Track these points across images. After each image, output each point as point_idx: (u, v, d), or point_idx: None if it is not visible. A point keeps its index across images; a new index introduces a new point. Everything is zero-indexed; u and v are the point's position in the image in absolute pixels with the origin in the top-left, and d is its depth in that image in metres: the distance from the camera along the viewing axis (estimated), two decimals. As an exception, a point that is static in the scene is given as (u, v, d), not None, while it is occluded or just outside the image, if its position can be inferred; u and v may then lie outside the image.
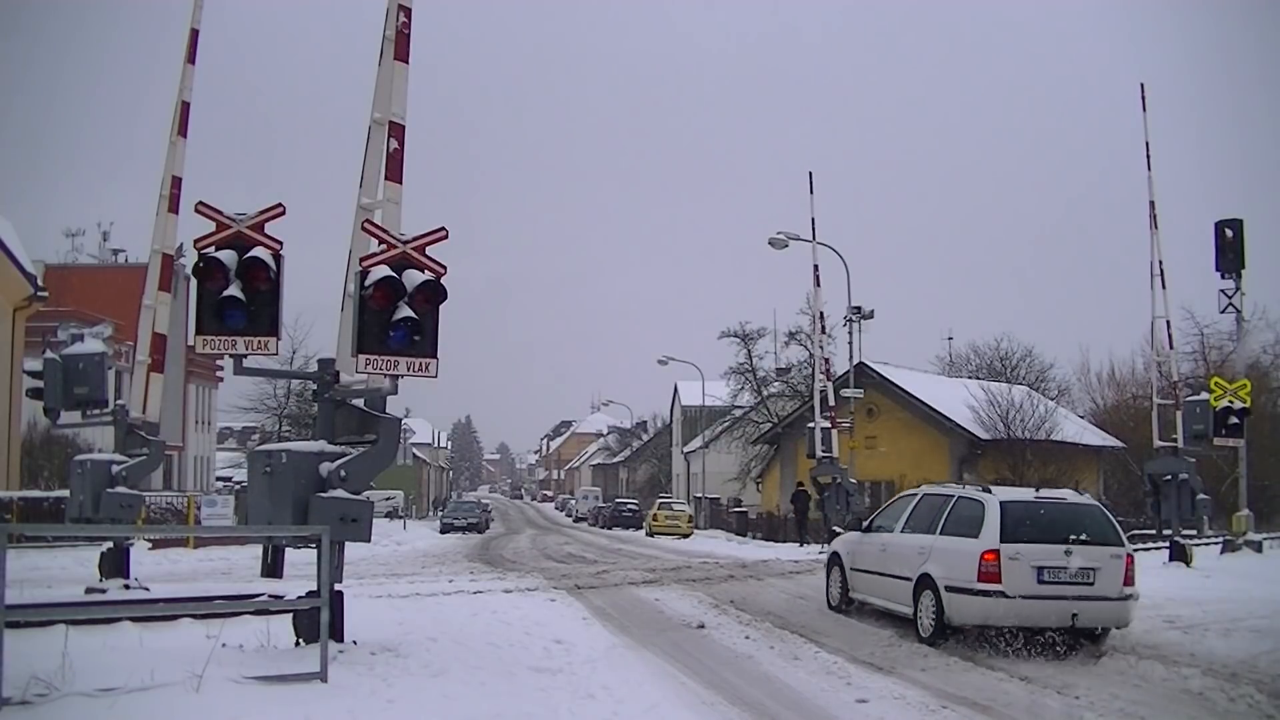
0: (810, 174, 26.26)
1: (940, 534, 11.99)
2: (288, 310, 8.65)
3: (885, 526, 13.52)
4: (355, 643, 8.61)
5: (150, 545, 21.54)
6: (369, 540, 8.77)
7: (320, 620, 7.51)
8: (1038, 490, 12.61)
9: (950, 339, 53.24)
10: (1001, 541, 11.00)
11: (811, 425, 25.32)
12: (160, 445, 13.00)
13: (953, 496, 12.45)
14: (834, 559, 14.59)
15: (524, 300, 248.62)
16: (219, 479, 48.11)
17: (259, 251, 8.19)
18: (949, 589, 11.27)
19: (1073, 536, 11.22)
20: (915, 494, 13.77)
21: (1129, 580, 11.27)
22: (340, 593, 8.48)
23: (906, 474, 26.49)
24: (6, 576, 6.06)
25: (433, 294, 8.21)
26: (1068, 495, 12.34)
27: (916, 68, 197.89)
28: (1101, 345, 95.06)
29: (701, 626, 11.98)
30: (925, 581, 11.69)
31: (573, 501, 75.19)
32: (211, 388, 51.52)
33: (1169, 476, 19.75)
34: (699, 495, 52.51)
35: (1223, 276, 23.99)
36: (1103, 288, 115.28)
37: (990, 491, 11.98)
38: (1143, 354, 39.60)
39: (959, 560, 11.29)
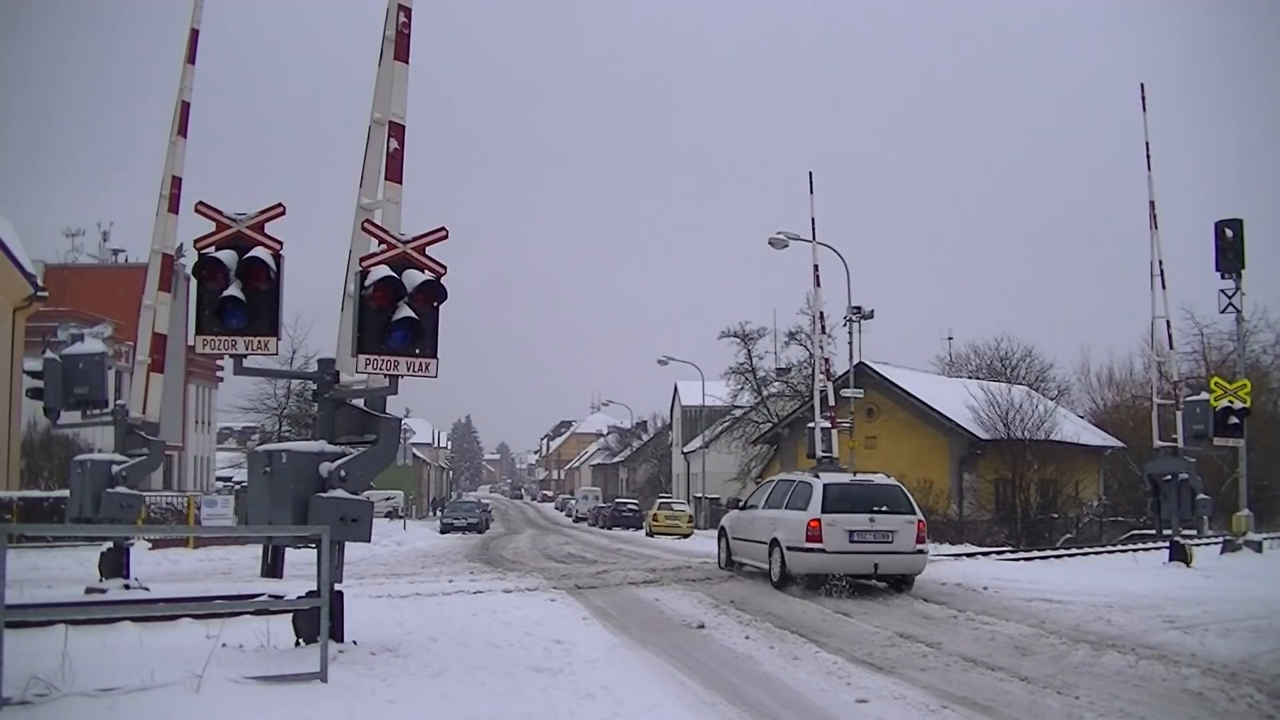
0: (810, 174, 26.03)
1: (785, 508, 15.67)
2: (288, 310, 8.66)
3: (754, 504, 17.49)
4: (355, 643, 8.60)
5: (150, 545, 21.58)
6: (369, 540, 8.75)
7: (320, 620, 7.51)
8: (854, 475, 16.34)
9: (950, 339, 53.41)
10: (823, 512, 14.64)
11: (811, 425, 25.06)
12: (160, 445, 13.01)
13: (794, 481, 16.25)
14: (722, 531, 18.78)
15: (524, 300, 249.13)
16: (219, 479, 48.08)
17: (259, 251, 8.19)
18: (788, 548, 14.89)
19: (876, 508, 14.87)
20: (773, 480, 18.00)
21: (920, 540, 14.97)
22: (340, 593, 8.48)
23: (907, 474, 26.38)
24: (6, 576, 6.06)
25: (433, 294, 8.20)
26: (875, 478, 15.94)
27: (916, 67, 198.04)
28: (1101, 345, 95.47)
29: (701, 626, 11.97)
30: (775, 543, 15.34)
31: (573, 501, 75.07)
32: (211, 388, 51.51)
33: (1169, 476, 19.73)
34: (699, 495, 52.49)
35: (1223, 276, 24.03)
36: (1103, 288, 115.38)
37: (818, 476, 15.66)
38: (1143, 354, 39.78)
39: (795, 527, 14.92)
